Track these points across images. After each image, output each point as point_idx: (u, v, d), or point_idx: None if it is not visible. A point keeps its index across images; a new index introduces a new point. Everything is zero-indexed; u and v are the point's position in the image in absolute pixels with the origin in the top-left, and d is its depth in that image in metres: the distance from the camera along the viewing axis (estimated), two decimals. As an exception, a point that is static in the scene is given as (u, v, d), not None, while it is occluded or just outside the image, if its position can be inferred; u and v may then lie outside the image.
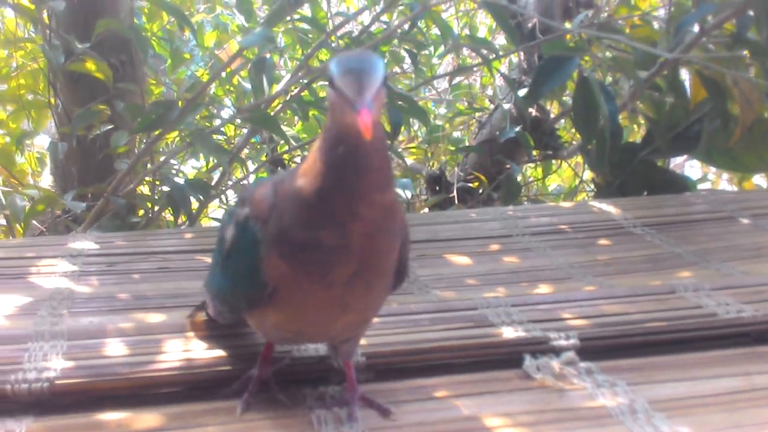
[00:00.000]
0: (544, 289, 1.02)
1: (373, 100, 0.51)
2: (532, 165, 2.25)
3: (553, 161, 2.13)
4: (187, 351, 0.74)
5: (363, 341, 0.72)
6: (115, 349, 0.74)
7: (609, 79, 1.78)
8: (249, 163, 2.17)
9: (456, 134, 2.39)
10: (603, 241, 1.24)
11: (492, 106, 2.09)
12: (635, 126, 2.13)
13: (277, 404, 0.66)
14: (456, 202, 1.85)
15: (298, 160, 2.18)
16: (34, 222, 1.76)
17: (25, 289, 0.99)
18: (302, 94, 1.64)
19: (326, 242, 0.56)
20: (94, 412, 0.63)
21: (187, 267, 1.11)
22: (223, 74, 1.72)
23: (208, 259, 1.11)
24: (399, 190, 1.77)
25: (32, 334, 0.77)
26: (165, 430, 0.61)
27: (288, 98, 1.64)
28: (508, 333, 0.78)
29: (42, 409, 0.64)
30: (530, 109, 1.85)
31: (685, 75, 1.66)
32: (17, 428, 0.60)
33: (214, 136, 1.56)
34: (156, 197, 1.67)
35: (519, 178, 1.91)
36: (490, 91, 2.34)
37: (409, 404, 0.65)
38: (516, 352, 0.74)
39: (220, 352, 0.74)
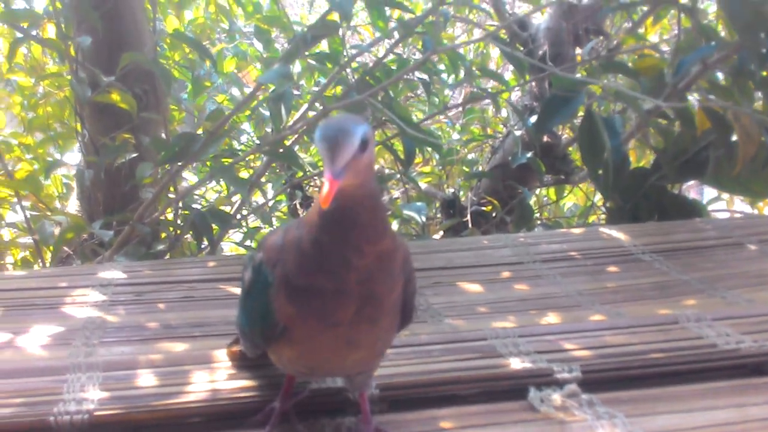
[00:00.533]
0: (552, 317, 1.06)
1: (344, 169, 0.56)
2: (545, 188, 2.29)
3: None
4: (212, 382, 0.79)
5: (377, 372, 0.77)
6: (147, 380, 0.79)
7: (619, 106, 1.81)
8: (269, 186, 2.24)
9: (470, 156, 2.43)
10: (612, 269, 1.27)
11: (505, 130, 2.14)
12: (647, 150, 2.16)
13: (298, 435, 0.70)
14: (470, 225, 1.89)
15: (316, 181, 2.24)
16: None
17: (58, 319, 1.05)
18: (320, 122, 1.70)
19: (325, 287, 0.62)
20: (129, 441, 0.69)
21: (211, 296, 1.16)
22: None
23: (231, 288, 1.17)
24: (414, 214, 1.81)
25: (69, 365, 0.83)
26: (195, 461, 0.66)
27: (305, 128, 1.70)
28: (515, 364, 0.82)
29: (82, 438, 0.69)
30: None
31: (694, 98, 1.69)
32: (60, 458, 0.66)
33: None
34: (179, 222, 1.73)
35: (532, 201, 1.96)
36: (504, 113, 2.39)
37: (420, 436, 0.70)
38: (522, 384, 0.78)
39: (243, 383, 0.79)
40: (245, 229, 2.09)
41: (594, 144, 1.26)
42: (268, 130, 2.09)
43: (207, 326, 1.03)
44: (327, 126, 0.58)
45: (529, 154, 1.80)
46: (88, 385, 0.78)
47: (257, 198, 2.28)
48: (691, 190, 2.51)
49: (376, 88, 1.44)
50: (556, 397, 0.74)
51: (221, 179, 1.50)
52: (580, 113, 1.83)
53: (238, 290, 1.14)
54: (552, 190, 2.35)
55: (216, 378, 0.80)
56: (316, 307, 0.63)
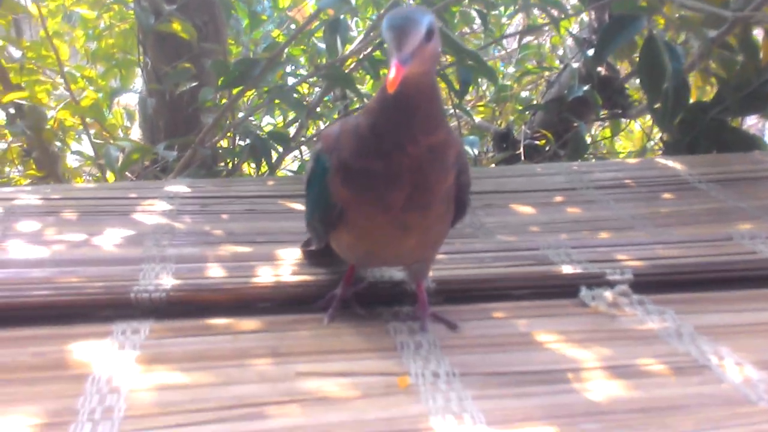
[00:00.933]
0: (604, 236, 1.07)
1: (411, 55, 0.57)
2: (601, 125, 2.26)
3: (623, 120, 2.13)
4: (277, 276, 0.84)
5: (431, 273, 0.80)
6: (216, 272, 0.84)
7: (682, 37, 1.77)
8: (322, 120, 2.27)
9: (524, 94, 2.41)
10: (666, 195, 1.27)
11: (561, 65, 2.11)
12: (708, 87, 2.12)
13: (359, 318, 0.75)
14: (522, 158, 1.89)
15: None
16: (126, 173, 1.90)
17: (130, 224, 1.11)
18: (374, 54, 1.71)
19: (378, 171, 0.65)
20: (204, 318, 0.74)
21: (271, 210, 1.21)
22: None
23: (290, 204, 1.22)
24: (467, 147, 1.82)
25: (144, 257, 0.88)
26: (265, 332, 0.71)
27: (361, 57, 1.72)
28: (567, 270, 0.85)
29: (159, 315, 0.75)
30: (600, 68, 1.86)
31: (759, 33, 1.64)
32: (142, 328, 0.71)
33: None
34: (236, 151, 1.78)
35: (587, 137, 1.94)
36: (559, 51, 2.35)
37: (473, 322, 0.73)
38: (573, 284, 0.80)
39: (307, 277, 0.83)
40: (301, 161, 2.13)
41: (655, 69, 1.24)
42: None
43: (268, 234, 1.08)
44: (394, 15, 0.59)
45: (586, 87, 1.78)
46: (162, 273, 0.83)
47: (311, 134, 2.32)
48: (751, 129, 2.44)
49: (432, 9, 1.44)
50: (608, 294, 0.77)
51: (280, 103, 1.54)
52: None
53: (296, 205, 1.19)
54: (607, 130, 2.32)
55: (280, 273, 0.84)
56: (369, 190, 0.66)
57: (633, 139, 2.65)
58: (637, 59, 1.88)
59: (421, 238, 0.70)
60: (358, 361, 0.65)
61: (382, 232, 0.69)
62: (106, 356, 0.66)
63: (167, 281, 0.81)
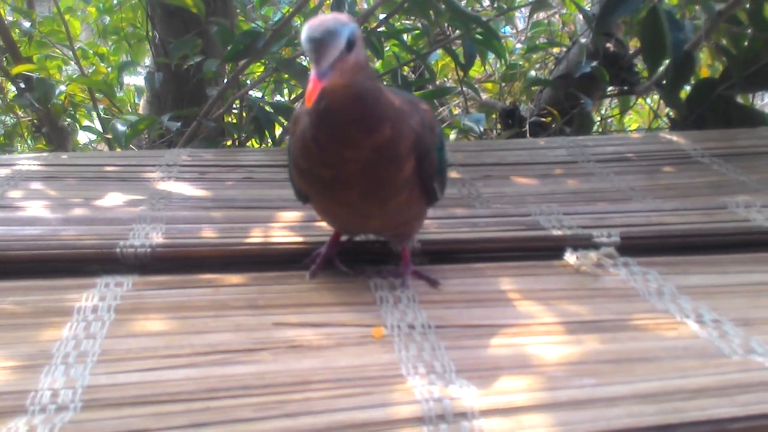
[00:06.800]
0: (600, 206, 1.06)
1: (330, 68, 0.55)
2: (610, 104, 2.24)
3: (632, 97, 2.10)
4: (266, 237, 0.84)
5: (420, 237, 0.80)
6: (206, 232, 0.85)
7: (690, 10, 1.75)
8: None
9: (532, 73, 2.39)
10: (667, 169, 1.26)
11: (570, 42, 2.09)
12: (720, 65, 2.09)
13: (342, 274, 0.75)
14: (528, 136, 1.87)
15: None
16: (131, 147, 1.91)
17: (128, 189, 1.12)
18: (380, 29, 1.70)
19: (324, 175, 0.65)
20: (189, 274, 0.75)
21: (270, 178, 1.21)
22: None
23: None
24: (472, 125, 1.81)
25: (135, 217, 0.89)
26: (247, 286, 0.72)
27: (368, 30, 1.71)
28: (555, 233, 0.84)
29: (145, 270, 0.76)
30: (608, 44, 1.84)
31: None
32: (125, 281, 0.72)
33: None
34: (241, 126, 1.79)
35: (595, 115, 1.92)
36: (569, 29, 2.33)
37: (456, 279, 0.74)
38: (560, 247, 0.80)
39: (295, 238, 0.84)
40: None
41: (656, 40, 1.23)
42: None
43: (266, 201, 1.09)
44: (314, 26, 0.56)
45: (594, 63, 1.76)
46: (152, 232, 0.84)
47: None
48: (766, 108, 2.41)
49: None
50: (592, 255, 0.76)
51: (285, 73, 1.54)
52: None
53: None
54: (616, 109, 2.29)
55: (270, 234, 0.85)
56: (320, 187, 0.67)
57: (644, 116, 2.62)
58: (641, 23, 1.85)
59: (387, 220, 0.70)
60: (336, 313, 0.66)
61: (344, 217, 0.70)
62: (87, 306, 0.67)
63: (156, 240, 0.81)
